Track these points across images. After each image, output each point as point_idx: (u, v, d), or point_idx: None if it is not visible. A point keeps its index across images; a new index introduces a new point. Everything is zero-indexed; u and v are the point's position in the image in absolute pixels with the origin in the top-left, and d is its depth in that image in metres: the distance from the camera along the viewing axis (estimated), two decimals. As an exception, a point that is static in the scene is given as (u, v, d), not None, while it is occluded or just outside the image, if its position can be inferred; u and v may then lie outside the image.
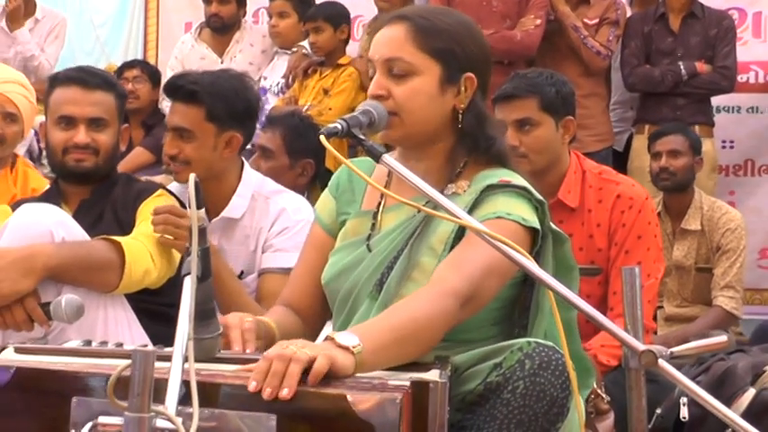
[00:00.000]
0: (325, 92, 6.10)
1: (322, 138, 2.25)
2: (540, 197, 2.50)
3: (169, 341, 3.06)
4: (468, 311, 2.32)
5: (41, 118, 5.41)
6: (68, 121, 3.43)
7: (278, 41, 6.71)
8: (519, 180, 2.51)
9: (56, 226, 3.07)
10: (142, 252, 3.16)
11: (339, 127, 2.32)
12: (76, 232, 3.14)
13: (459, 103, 2.55)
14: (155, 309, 3.21)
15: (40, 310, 2.97)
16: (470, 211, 2.42)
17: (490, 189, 2.48)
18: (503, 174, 2.53)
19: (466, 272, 2.30)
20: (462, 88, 2.54)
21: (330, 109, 5.91)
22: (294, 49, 6.53)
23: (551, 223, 2.52)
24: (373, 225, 2.62)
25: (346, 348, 2.04)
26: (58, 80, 3.54)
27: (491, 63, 2.65)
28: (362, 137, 2.34)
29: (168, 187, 3.60)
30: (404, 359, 2.18)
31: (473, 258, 2.32)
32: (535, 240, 2.46)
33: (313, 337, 2.65)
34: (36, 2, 7.43)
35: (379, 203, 2.65)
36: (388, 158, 2.30)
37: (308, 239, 2.81)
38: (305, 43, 6.44)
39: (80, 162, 3.42)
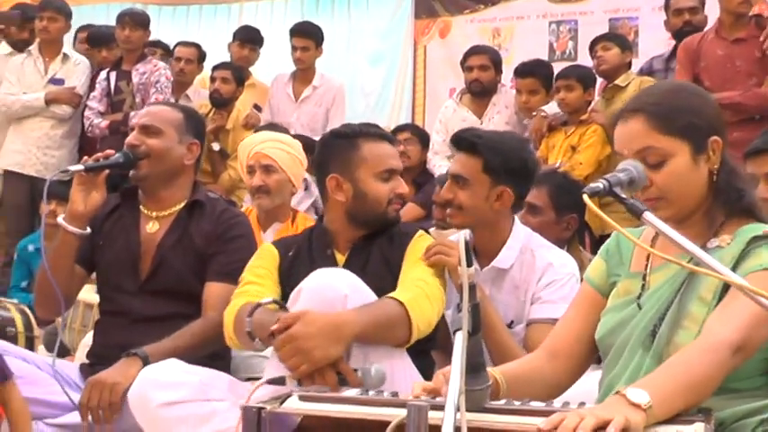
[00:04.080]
0: (573, 149, 5.89)
1: (585, 197, 2.09)
2: None
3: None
4: (739, 360, 2.15)
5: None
6: (391, 173, 3.28)
7: (523, 114, 6.56)
8: None
9: (350, 291, 2.87)
10: (423, 305, 2.96)
11: (601, 186, 2.14)
12: (367, 294, 2.94)
13: (711, 166, 2.36)
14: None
15: (354, 375, 2.76)
16: (737, 262, 2.25)
17: (755, 240, 2.28)
18: (765, 227, 2.32)
19: (734, 323, 2.14)
20: (711, 152, 2.35)
21: (581, 164, 5.72)
22: (534, 114, 6.36)
23: None
24: (643, 285, 2.44)
25: (638, 406, 1.93)
26: (364, 134, 3.37)
27: (723, 116, 2.46)
28: (624, 195, 2.15)
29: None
30: (682, 410, 2.04)
31: (740, 309, 2.14)
32: None
33: (568, 383, 2.52)
34: (315, 70, 7.45)
35: (646, 265, 2.46)
36: (650, 216, 2.10)
37: (577, 297, 2.66)
38: (544, 107, 6.28)
39: (398, 212, 3.31)
